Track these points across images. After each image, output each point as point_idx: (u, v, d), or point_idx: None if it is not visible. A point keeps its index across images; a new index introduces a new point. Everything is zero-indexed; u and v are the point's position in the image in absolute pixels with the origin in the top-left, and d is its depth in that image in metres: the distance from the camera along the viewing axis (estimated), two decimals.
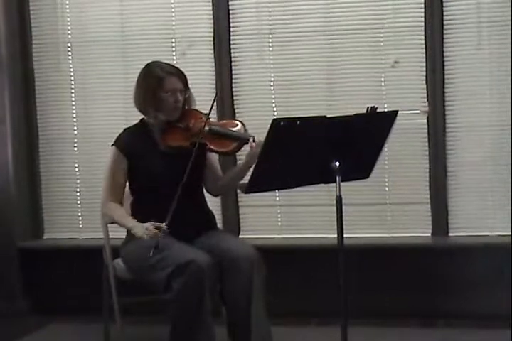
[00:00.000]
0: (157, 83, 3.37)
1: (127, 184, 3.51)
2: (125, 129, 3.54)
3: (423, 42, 4.27)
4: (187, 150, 3.27)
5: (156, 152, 3.44)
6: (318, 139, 2.83)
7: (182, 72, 3.44)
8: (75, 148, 4.68)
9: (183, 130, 3.39)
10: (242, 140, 3.31)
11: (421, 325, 4.10)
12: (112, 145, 3.48)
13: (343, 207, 2.85)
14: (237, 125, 3.41)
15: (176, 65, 3.49)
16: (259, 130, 3.28)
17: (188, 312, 3.18)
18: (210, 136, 3.33)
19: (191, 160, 3.20)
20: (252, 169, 2.95)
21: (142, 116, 3.51)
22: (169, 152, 3.41)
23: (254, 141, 3.26)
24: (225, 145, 3.33)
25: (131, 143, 3.45)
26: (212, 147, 3.34)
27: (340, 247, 2.85)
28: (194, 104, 3.51)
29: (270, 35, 4.43)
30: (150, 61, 3.50)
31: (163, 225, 3.17)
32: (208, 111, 3.34)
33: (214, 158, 3.57)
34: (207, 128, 3.33)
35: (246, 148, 3.35)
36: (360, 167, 3.01)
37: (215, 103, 3.37)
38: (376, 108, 2.92)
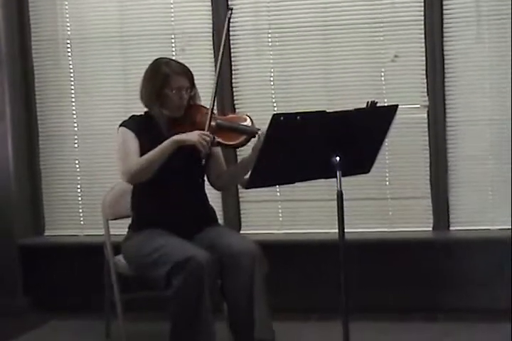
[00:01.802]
0: (164, 81, 3.35)
1: None
2: (132, 115, 3.50)
3: (423, 36, 4.26)
4: (193, 145, 3.26)
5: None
6: (319, 134, 2.83)
7: (189, 70, 3.42)
8: (76, 145, 4.67)
9: (189, 125, 3.38)
10: (250, 133, 3.31)
11: (421, 319, 4.10)
12: (120, 126, 3.41)
13: (344, 202, 2.85)
14: (245, 119, 3.40)
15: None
16: (259, 125, 3.29)
17: (187, 309, 3.17)
18: (217, 129, 3.33)
19: (203, 154, 3.21)
20: None
21: (144, 110, 3.49)
22: None
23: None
24: (233, 139, 3.33)
25: (139, 128, 3.40)
26: (219, 140, 3.33)
27: (341, 242, 2.85)
28: (199, 100, 3.49)
29: (269, 31, 4.43)
30: (157, 57, 3.48)
31: (211, 135, 3.22)
32: (210, 105, 3.33)
33: (219, 152, 3.56)
34: (213, 123, 3.32)
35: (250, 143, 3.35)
36: (360, 162, 3.00)
37: (215, 96, 3.36)
38: (376, 102, 2.92)
